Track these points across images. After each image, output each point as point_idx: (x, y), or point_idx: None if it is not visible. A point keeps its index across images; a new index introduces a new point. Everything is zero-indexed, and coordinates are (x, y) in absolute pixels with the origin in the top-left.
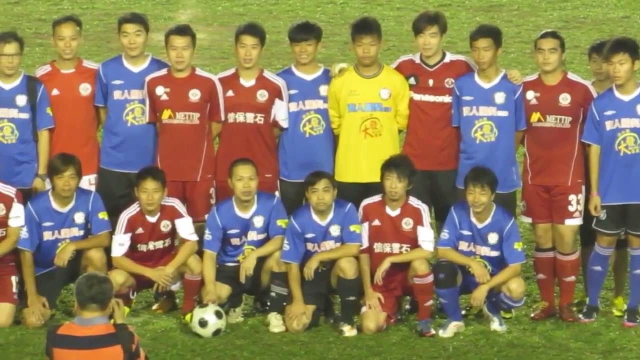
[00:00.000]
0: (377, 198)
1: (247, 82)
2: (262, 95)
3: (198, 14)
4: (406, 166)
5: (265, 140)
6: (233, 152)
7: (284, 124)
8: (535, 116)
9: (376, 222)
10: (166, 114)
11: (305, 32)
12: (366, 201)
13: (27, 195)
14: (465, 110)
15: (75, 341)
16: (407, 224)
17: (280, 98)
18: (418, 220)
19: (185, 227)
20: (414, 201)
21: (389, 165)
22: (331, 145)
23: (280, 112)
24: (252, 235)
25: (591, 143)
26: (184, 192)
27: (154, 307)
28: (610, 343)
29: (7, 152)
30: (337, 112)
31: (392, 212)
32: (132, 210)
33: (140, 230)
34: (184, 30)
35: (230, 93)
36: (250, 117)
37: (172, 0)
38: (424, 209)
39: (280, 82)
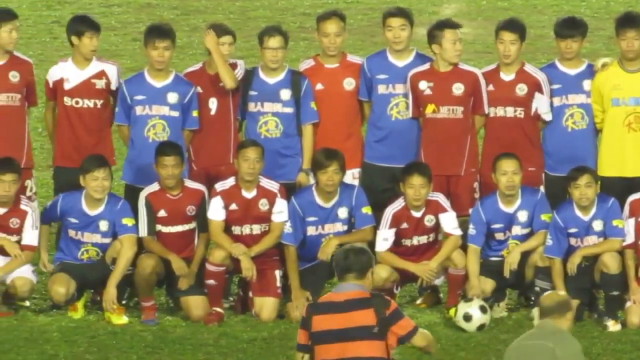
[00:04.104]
0: None
1: (507, 76)
2: (521, 89)
3: (462, 8)
4: None
5: (527, 134)
6: (496, 146)
7: (547, 117)
8: None
9: None
10: (430, 108)
11: (571, 28)
12: (633, 196)
13: (290, 190)
14: None
15: (332, 305)
16: None
17: (541, 92)
18: None
19: (449, 221)
20: None
21: None
22: (594, 140)
23: (542, 105)
24: (516, 230)
25: None
26: (447, 186)
27: (418, 301)
28: None
29: (272, 147)
30: (600, 106)
31: None
32: (397, 205)
33: (404, 225)
34: (455, 25)
35: (490, 87)
36: (510, 111)
37: None
38: None
39: (540, 75)
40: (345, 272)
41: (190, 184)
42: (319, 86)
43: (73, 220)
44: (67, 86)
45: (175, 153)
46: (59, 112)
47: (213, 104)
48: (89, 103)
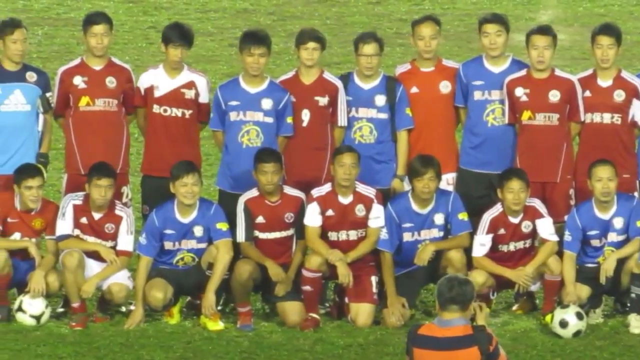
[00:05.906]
0: None
1: (605, 82)
2: (619, 96)
3: (559, 15)
4: None
5: (622, 141)
6: (591, 153)
7: None
8: None
9: None
10: (525, 115)
11: None
12: None
13: (384, 196)
14: None
15: (434, 342)
16: None
17: (638, 98)
18: None
19: (546, 228)
20: None
21: None
22: None
23: (639, 112)
24: (612, 237)
25: None
26: (543, 192)
27: (514, 307)
28: None
29: (366, 152)
30: None
31: None
32: (495, 211)
33: (502, 231)
34: (545, 30)
35: (587, 94)
36: (607, 118)
37: (533, 0)
38: None
39: (637, 82)
40: (449, 303)
41: (289, 190)
42: (414, 89)
43: (169, 232)
44: (156, 94)
45: (275, 160)
46: (148, 119)
47: (306, 115)
48: (177, 112)
